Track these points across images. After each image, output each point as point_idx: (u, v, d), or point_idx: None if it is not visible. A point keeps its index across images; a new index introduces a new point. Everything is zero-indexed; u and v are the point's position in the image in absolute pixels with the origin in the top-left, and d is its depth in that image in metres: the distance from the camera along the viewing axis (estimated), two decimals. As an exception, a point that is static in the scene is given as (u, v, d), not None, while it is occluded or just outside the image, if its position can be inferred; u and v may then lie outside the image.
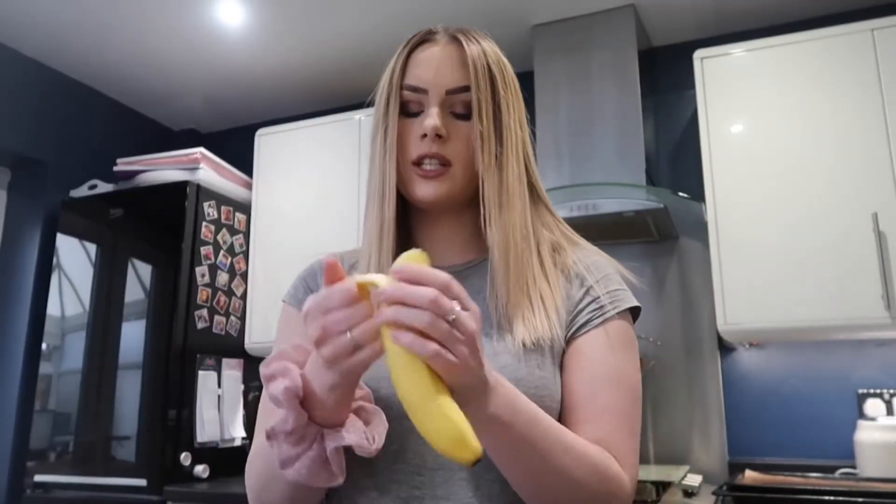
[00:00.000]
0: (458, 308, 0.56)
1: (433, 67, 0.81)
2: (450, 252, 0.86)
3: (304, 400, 0.63)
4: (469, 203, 0.83)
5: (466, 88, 0.80)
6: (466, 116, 0.81)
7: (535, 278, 0.79)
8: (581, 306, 0.80)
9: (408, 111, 0.82)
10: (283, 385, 0.62)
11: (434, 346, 0.55)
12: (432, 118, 0.79)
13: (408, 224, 0.87)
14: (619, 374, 0.78)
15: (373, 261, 0.80)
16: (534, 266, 0.80)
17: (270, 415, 0.70)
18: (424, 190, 0.80)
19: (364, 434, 0.64)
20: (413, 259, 0.60)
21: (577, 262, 0.83)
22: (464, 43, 0.81)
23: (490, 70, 0.81)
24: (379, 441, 0.66)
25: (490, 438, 0.64)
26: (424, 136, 0.79)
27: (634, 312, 0.83)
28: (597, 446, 0.72)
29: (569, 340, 0.80)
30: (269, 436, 0.64)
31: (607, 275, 0.83)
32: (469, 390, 0.60)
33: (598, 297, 0.80)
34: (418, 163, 0.80)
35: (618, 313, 0.80)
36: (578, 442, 0.70)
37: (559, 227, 0.87)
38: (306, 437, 0.64)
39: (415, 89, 0.81)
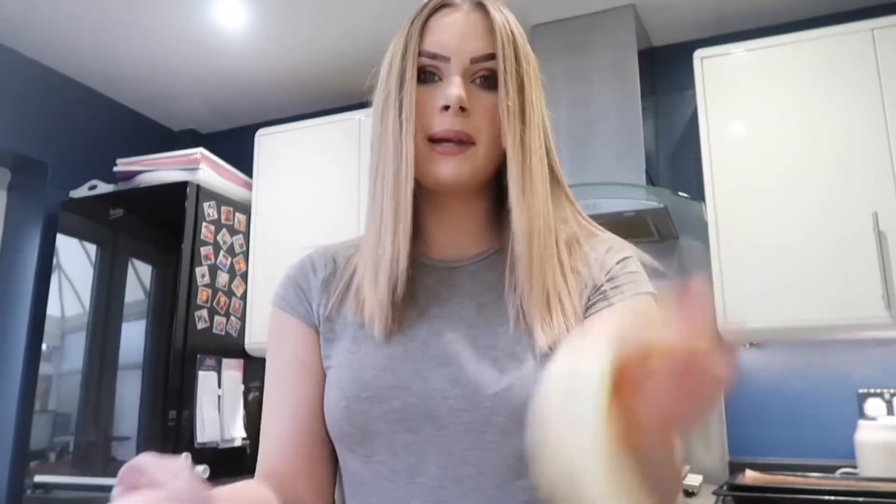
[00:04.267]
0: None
1: (457, 34, 0.74)
2: (460, 242, 0.79)
3: None
4: (484, 186, 0.77)
5: (491, 56, 0.73)
6: (488, 87, 0.74)
7: (554, 274, 0.73)
8: (600, 288, 0.74)
9: (422, 79, 0.74)
10: None
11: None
12: (456, 87, 0.71)
13: (414, 208, 0.75)
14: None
15: (385, 248, 0.72)
16: (554, 260, 0.74)
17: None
18: (445, 169, 0.72)
19: None
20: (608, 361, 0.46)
21: (595, 253, 0.77)
22: (490, 10, 0.75)
23: (515, 41, 0.75)
24: None
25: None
26: (445, 108, 0.71)
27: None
28: None
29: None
30: None
31: (625, 258, 0.78)
32: None
33: (617, 277, 0.74)
34: (436, 138, 0.72)
35: (640, 293, 0.74)
36: None
37: (577, 219, 0.80)
38: None
39: (434, 56, 0.73)
